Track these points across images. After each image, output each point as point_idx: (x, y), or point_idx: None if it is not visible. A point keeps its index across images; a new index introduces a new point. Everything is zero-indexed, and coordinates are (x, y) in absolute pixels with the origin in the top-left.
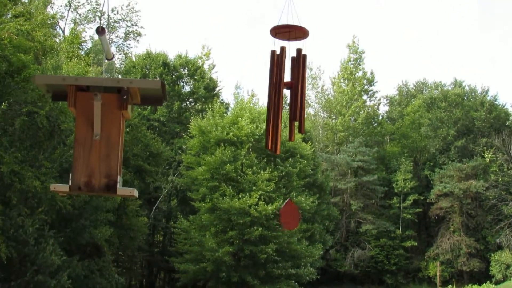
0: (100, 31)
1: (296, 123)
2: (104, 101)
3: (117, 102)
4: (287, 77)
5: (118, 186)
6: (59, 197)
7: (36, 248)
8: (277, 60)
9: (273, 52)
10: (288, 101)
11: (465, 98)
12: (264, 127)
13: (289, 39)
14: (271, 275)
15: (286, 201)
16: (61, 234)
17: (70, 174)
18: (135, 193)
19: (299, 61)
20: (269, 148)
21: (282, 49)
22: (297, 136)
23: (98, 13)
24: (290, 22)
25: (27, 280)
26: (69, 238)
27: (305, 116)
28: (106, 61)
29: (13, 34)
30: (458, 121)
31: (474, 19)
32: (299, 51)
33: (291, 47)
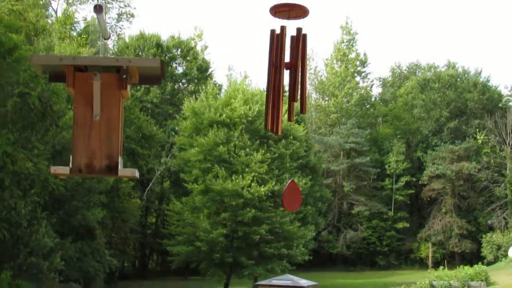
0: (98, 9)
1: (296, 104)
2: (103, 81)
3: (116, 82)
4: (287, 58)
5: (119, 167)
6: (52, 178)
7: (29, 230)
8: (277, 40)
9: (272, 31)
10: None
11: (458, 79)
12: (257, 108)
13: (289, 18)
14: (264, 255)
15: (289, 181)
16: (54, 216)
17: (70, 156)
18: (136, 174)
19: (299, 40)
20: (269, 128)
21: (282, 28)
22: None
23: None
24: (290, 1)
25: (20, 262)
26: (62, 220)
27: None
28: (102, 40)
29: (5, 14)
30: (451, 102)
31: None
32: (299, 30)
33: (291, 26)
